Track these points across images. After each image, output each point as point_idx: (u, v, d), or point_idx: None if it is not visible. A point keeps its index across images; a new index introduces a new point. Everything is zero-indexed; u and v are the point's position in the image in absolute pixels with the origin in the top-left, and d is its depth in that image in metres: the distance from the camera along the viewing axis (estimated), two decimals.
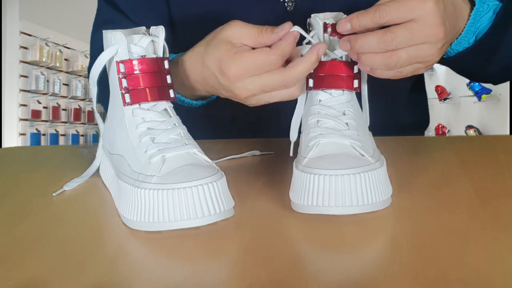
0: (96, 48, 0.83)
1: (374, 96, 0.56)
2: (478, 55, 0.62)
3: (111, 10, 0.81)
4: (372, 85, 0.55)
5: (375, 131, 0.55)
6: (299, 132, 0.56)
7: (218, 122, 0.89)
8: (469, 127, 3.76)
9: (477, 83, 3.45)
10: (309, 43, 0.54)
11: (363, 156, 0.47)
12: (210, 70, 0.55)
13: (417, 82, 0.89)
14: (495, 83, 0.77)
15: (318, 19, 0.53)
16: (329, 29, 0.52)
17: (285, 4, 0.74)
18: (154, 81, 0.51)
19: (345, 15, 0.53)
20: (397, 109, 0.88)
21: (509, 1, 0.62)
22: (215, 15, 0.59)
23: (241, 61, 0.52)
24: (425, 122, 0.96)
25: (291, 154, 0.56)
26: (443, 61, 0.65)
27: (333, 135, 0.49)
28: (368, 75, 0.54)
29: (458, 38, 0.60)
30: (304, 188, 0.46)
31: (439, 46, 0.51)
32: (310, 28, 0.54)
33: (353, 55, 0.52)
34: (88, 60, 0.91)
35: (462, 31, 0.59)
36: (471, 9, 0.58)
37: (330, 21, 0.52)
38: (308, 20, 0.55)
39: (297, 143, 0.57)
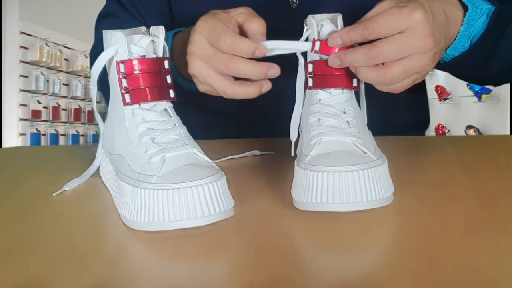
0: (98, 39, 0.85)
1: (374, 98, 0.56)
2: (474, 59, 0.62)
3: (115, 3, 0.84)
4: (371, 86, 0.55)
5: (375, 131, 0.55)
6: (299, 131, 0.56)
7: (218, 122, 0.89)
8: (469, 127, 3.76)
9: None
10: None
11: (365, 153, 0.47)
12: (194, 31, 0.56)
13: (413, 86, 0.89)
14: (496, 84, 0.77)
15: (314, 20, 0.53)
16: (318, 44, 0.52)
17: (289, 1, 0.74)
18: (154, 81, 0.51)
19: (341, 15, 0.53)
20: (397, 110, 0.88)
21: (503, 4, 0.61)
22: None
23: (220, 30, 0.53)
24: (426, 122, 0.96)
25: (292, 154, 0.57)
26: (439, 66, 0.65)
27: (335, 133, 0.49)
28: None
29: (453, 43, 0.60)
30: (307, 186, 0.46)
31: (430, 56, 0.51)
32: (307, 28, 0.54)
33: (334, 60, 0.52)
34: (88, 60, 0.93)
35: (456, 36, 0.59)
36: (464, 14, 0.58)
37: (326, 24, 0.52)
38: (305, 21, 0.55)
39: (297, 143, 0.57)
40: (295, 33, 0.55)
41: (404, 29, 0.50)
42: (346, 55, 0.51)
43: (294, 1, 0.74)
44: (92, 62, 0.86)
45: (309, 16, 0.54)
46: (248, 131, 0.80)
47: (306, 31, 0.54)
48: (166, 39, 0.65)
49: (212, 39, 0.53)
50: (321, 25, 0.53)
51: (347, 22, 0.53)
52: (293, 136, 0.57)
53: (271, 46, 0.53)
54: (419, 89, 0.93)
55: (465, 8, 0.58)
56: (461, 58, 0.62)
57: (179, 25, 0.71)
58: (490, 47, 0.63)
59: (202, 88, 0.57)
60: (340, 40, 0.51)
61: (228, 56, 0.52)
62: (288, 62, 0.55)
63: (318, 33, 0.53)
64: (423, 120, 0.96)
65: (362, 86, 0.55)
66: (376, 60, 0.50)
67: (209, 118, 0.89)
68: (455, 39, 0.59)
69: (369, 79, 0.51)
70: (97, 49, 0.84)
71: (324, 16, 0.54)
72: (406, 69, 0.51)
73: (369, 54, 0.50)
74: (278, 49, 0.54)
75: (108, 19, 0.84)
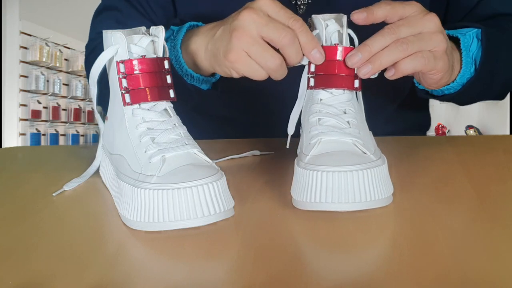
0: (95, 33, 0.83)
1: (374, 98, 0.57)
2: (481, 81, 0.65)
3: None
4: (371, 91, 0.55)
5: (375, 134, 0.55)
6: (299, 131, 0.56)
7: (218, 122, 0.89)
8: (469, 127, 3.76)
9: None
10: None
11: (365, 153, 0.47)
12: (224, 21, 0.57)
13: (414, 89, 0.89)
14: (501, 98, 0.79)
15: (320, 19, 0.53)
16: None
17: (296, 7, 0.74)
18: (154, 81, 0.51)
19: (345, 16, 0.53)
20: (398, 112, 0.88)
21: (492, 25, 0.67)
22: (223, 16, 0.59)
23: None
24: (426, 124, 0.96)
25: (287, 146, 0.57)
26: (454, 97, 0.67)
27: (335, 133, 0.49)
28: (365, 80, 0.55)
29: (461, 71, 0.63)
30: (306, 185, 0.46)
31: (437, 30, 0.54)
32: (311, 28, 0.54)
33: (366, 67, 0.52)
34: None
35: (461, 63, 0.63)
36: (458, 44, 0.63)
37: (331, 24, 0.52)
38: (308, 20, 0.55)
39: (296, 141, 0.57)
40: None
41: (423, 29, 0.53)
42: (377, 59, 0.51)
43: (302, 7, 0.74)
44: (89, 57, 0.83)
45: (314, 15, 0.54)
46: (248, 131, 0.80)
47: (312, 31, 0.54)
48: (179, 31, 0.65)
49: (280, 12, 0.53)
50: (326, 24, 0.53)
51: (353, 27, 0.53)
52: (290, 130, 0.57)
53: None
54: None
55: (454, 40, 0.64)
56: (470, 82, 0.64)
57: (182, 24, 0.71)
58: (492, 66, 0.66)
59: (226, 68, 0.57)
60: (360, 56, 0.52)
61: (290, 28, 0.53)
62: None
63: (325, 32, 0.53)
64: (424, 121, 0.96)
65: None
66: (405, 43, 0.51)
67: (208, 123, 0.89)
68: (461, 67, 0.63)
69: (389, 58, 0.52)
70: (95, 43, 0.81)
71: (328, 16, 0.54)
72: (416, 36, 0.53)
73: (396, 47, 0.51)
74: None
75: (109, 13, 0.82)
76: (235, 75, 0.56)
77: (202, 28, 0.63)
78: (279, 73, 0.54)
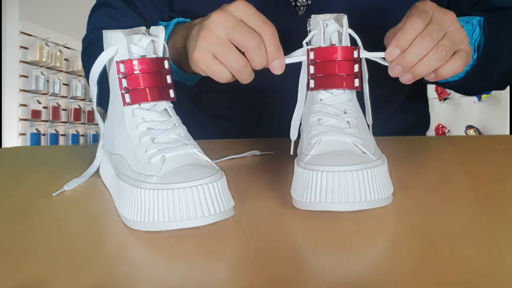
0: (91, 28, 0.85)
1: (373, 99, 0.56)
2: (483, 68, 0.65)
3: None
4: (371, 90, 0.55)
5: (374, 134, 0.55)
6: (299, 131, 0.56)
7: (218, 122, 0.89)
8: (469, 127, 3.76)
9: None
10: (309, 43, 0.54)
11: (365, 153, 0.47)
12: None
13: (416, 88, 0.89)
14: (501, 88, 0.80)
15: (319, 19, 0.53)
16: (312, 53, 0.53)
17: (296, 8, 0.74)
18: (154, 81, 0.51)
19: (346, 16, 0.53)
20: (397, 111, 0.88)
21: (492, 15, 0.67)
22: None
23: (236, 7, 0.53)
24: (426, 123, 0.96)
25: (291, 153, 0.57)
26: (458, 85, 0.68)
27: (335, 133, 0.49)
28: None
29: None
30: (306, 185, 0.46)
31: (459, 27, 0.54)
32: (311, 28, 0.54)
33: (407, 76, 0.53)
34: None
35: None
36: None
37: (331, 24, 0.52)
38: (308, 21, 0.55)
39: (297, 143, 0.57)
40: (302, 40, 0.55)
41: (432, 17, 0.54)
42: (405, 55, 0.51)
43: (301, 8, 0.74)
44: (84, 51, 0.85)
45: (313, 15, 0.54)
46: (246, 135, 0.80)
47: (310, 32, 0.54)
48: (166, 27, 0.66)
49: (253, 16, 0.53)
50: (326, 24, 0.53)
51: (353, 27, 0.53)
52: (293, 135, 0.57)
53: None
54: (419, 89, 0.93)
55: None
56: (474, 69, 0.64)
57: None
58: (493, 53, 0.66)
59: (205, 67, 0.56)
60: (398, 50, 0.51)
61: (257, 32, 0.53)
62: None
63: (324, 32, 0.53)
64: (424, 121, 0.96)
65: (366, 87, 0.55)
66: (433, 37, 0.51)
67: (208, 122, 0.89)
68: None
69: (429, 65, 0.52)
70: (89, 39, 0.83)
71: (328, 16, 0.54)
72: (451, 40, 0.53)
73: (437, 54, 0.51)
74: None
75: (103, 9, 0.84)
76: (202, 73, 0.57)
77: (186, 24, 0.64)
78: (244, 75, 0.54)
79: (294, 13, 0.74)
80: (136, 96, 0.51)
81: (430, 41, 0.51)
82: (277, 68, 0.53)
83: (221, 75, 0.54)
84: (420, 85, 0.91)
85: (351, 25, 0.53)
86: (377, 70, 0.55)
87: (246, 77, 0.54)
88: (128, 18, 0.80)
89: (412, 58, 0.51)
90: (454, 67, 0.53)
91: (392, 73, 0.52)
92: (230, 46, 0.53)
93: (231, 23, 0.53)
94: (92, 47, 0.81)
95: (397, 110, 0.87)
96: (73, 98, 4.23)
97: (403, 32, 0.51)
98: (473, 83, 0.70)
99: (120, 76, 0.51)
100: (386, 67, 0.53)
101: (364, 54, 0.53)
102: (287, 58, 0.54)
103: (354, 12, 0.58)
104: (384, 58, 0.53)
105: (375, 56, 0.53)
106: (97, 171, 0.62)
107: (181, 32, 0.63)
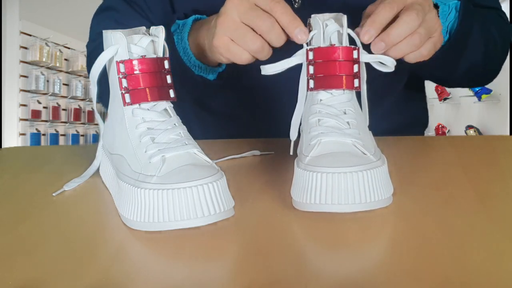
0: (95, 33, 0.85)
1: (370, 101, 0.57)
2: (451, 53, 0.67)
3: None
4: (367, 86, 0.55)
5: (374, 133, 0.55)
6: (299, 132, 0.56)
7: (220, 120, 0.89)
8: (469, 127, 3.76)
9: None
10: (308, 43, 0.54)
11: (365, 154, 0.47)
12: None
13: (411, 81, 0.89)
14: (461, 86, 0.83)
15: (318, 19, 0.53)
16: (311, 54, 0.53)
17: (292, 1, 0.74)
18: (154, 81, 0.51)
19: (345, 16, 0.53)
20: (394, 108, 0.87)
21: (470, 2, 0.68)
22: (219, 10, 0.59)
23: None
24: (424, 121, 0.96)
25: (291, 153, 0.57)
26: (421, 66, 0.66)
27: (335, 133, 0.49)
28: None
29: None
30: (306, 186, 0.46)
31: (435, 15, 0.56)
32: (311, 28, 0.54)
33: (380, 45, 0.54)
34: None
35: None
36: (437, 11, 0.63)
37: (331, 24, 0.52)
38: (308, 21, 0.55)
39: (297, 143, 0.57)
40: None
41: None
42: (389, 33, 0.53)
43: (297, 0, 0.74)
44: (90, 57, 0.85)
45: (313, 15, 0.54)
46: (247, 133, 0.80)
47: (310, 32, 0.54)
48: (184, 24, 0.69)
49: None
50: (326, 24, 0.53)
51: (351, 21, 0.53)
52: (293, 136, 0.57)
53: (268, 70, 0.55)
54: (415, 85, 0.92)
55: (435, 6, 0.64)
56: (443, 50, 0.64)
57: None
58: (464, 40, 0.68)
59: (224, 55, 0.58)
60: (373, 31, 0.53)
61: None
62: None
63: (323, 33, 0.53)
64: (421, 118, 0.95)
65: (363, 87, 0.55)
66: (418, 38, 0.54)
67: (209, 119, 0.89)
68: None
69: (403, 50, 0.54)
70: (95, 44, 0.83)
71: (328, 16, 0.54)
72: (426, 28, 0.55)
73: (412, 41, 0.53)
74: (276, 69, 0.55)
75: (107, 13, 0.84)
76: (224, 60, 0.60)
77: (207, 19, 0.67)
78: (263, 54, 0.56)
79: (290, 5, 0.74)
80: (136, 96, 0.51)
81: (416, 21, 0.53)
82: (301, 37, 0.53)
83: (241, 57, 0.57)
84: (416, 80, 0.91)
85: (351, 25, 0.53)
86: (368, 64, 0.55)
87: (264, 56, 0.57)
88: (132, 21, 0.80)
89: (398, 35, 0.53)
90: (417, 56, 0.56)
91: (375, 48, 0.53)
92: (245, 28, 0.55)
93: (243, 8, 0.55)
94: (98, 53, 0.81)
95: (394, 105, 0.87)
96: (73, 98, 4.23)
97: (382, 10, 0.53)
98: (435, 67, 0.71)
99: (120, 76, 0.51)
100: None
101: (364, 57, 0.53)
102: (286, 61, 0.54)
103: (351, 5, 0.59)
104: (382, 63, 0.53)
105: (375, 59, 0.53)
106: (97, 171, 0.62)
107: (204, 26, 0.65)
